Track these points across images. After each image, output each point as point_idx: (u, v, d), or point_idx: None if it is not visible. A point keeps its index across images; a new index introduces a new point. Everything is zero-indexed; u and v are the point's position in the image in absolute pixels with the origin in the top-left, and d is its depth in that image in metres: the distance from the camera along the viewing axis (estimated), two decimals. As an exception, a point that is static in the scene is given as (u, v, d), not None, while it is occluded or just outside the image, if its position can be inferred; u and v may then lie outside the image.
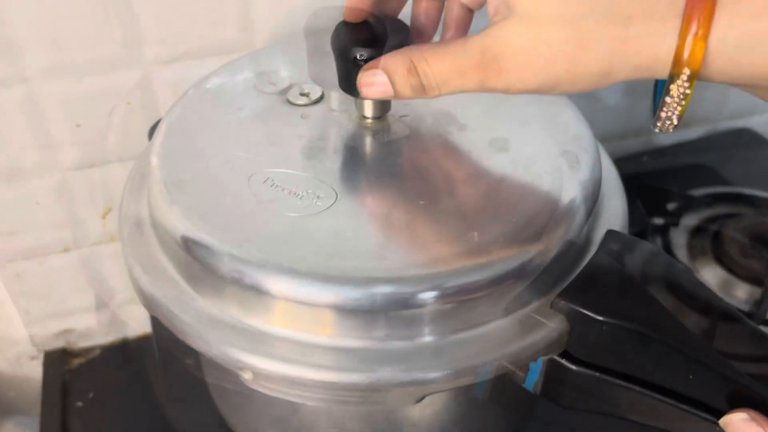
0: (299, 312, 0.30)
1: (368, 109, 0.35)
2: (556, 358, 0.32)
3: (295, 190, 0.32)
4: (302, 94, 0.37)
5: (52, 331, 0.58)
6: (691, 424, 0.31)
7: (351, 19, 0.32)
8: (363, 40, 0.31)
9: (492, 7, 0.28)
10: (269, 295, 0.30)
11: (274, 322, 0.30)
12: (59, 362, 0.58)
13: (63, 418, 0.53)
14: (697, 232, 0.61)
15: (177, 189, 0.32)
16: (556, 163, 0.34)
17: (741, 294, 0.54)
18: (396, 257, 0.30)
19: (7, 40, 0.43)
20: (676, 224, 0.61)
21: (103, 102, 0.48)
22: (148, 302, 0.33)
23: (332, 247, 0.30)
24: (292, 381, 0.30)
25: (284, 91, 0.38)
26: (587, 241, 0.34)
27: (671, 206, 0.62)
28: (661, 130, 0.28)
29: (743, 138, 0.74)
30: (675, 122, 0.27)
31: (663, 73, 0.26)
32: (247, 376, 0.30)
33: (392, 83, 0.30)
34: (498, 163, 0.34)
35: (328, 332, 0.30)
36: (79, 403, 0.54)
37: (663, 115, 0.27)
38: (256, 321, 0.31)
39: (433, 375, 0.29)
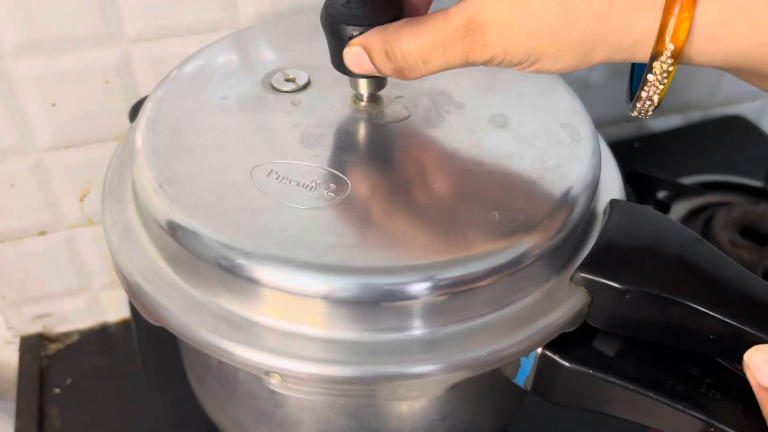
0: (289, 302, 0.29)
1: (362, 87, 0.34)
2: (548, 353, 0.32)
3: (304, 181, 0.31)
4: (288, 80, 0.36)
5: (28, 316, 0.57)
6: (684, 423, 0.31)
7: None
8: (353, 16, 0.30)
9: None
10: (259, 283, 0.29)
11: (263, 312, 0.30)
12: (36, 347, 0.57)
13: (40, 404, 0.53)
14: (687, 220, 0.60)
15: (169, 184, 0.31)
16: (559, 137, 0.34)
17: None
18: (415, 245, 0.29)
19: (-22, 15, 0.41)
20: (666, 213, 0.60)
21: (80, 81, 0.46)
22: (131, 288, 0.32)
23: (342, 238, 0.29)
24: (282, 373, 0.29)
25: (269, 76, 0.37)
26: (592, 213, 0.34)
27: (662, 195, 0.62)
28: (639, 113, 0.27)
29: (735, 125, 0.74)
30: (655, 103, 0.27)
31: (644, 54, 0.25)
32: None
33: (373, 63, 0.29)
34: (503, 141, 0.34)
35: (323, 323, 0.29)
36: (57, 390, 0.54)
37: (644, 95, 0.26)
38: (243, 309, 0.30)
39: (428, 368, 0.29)
